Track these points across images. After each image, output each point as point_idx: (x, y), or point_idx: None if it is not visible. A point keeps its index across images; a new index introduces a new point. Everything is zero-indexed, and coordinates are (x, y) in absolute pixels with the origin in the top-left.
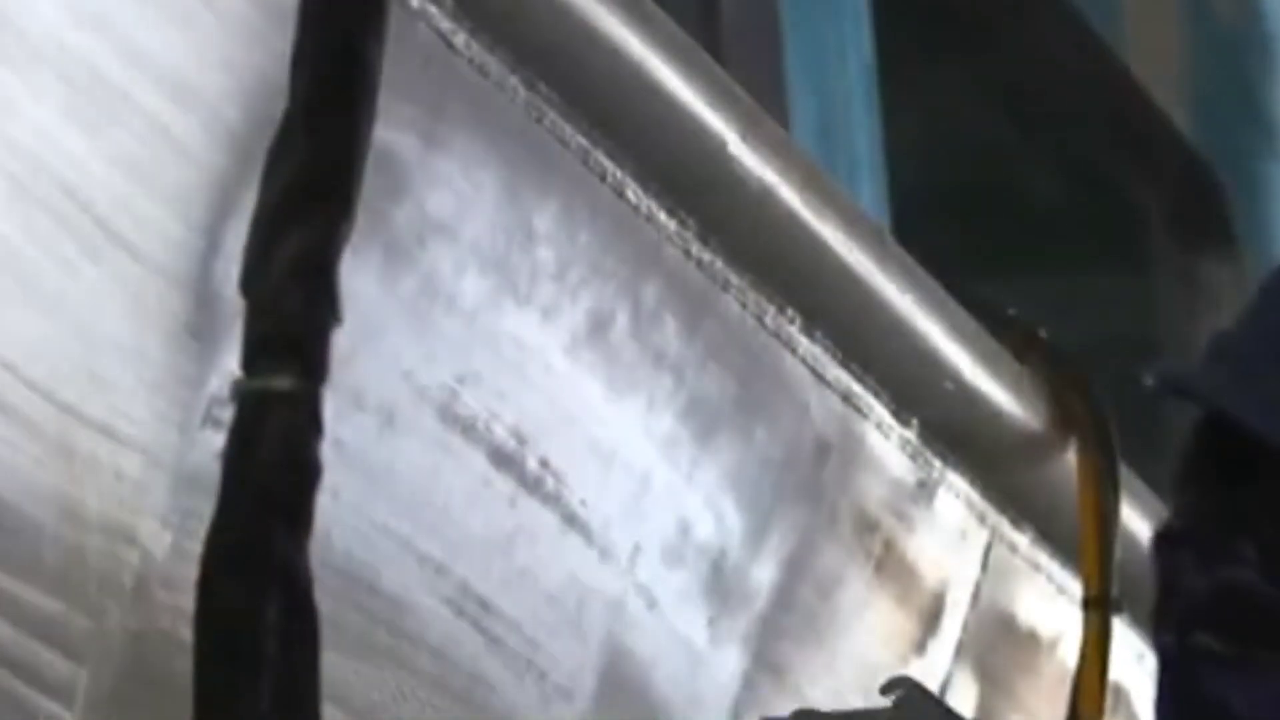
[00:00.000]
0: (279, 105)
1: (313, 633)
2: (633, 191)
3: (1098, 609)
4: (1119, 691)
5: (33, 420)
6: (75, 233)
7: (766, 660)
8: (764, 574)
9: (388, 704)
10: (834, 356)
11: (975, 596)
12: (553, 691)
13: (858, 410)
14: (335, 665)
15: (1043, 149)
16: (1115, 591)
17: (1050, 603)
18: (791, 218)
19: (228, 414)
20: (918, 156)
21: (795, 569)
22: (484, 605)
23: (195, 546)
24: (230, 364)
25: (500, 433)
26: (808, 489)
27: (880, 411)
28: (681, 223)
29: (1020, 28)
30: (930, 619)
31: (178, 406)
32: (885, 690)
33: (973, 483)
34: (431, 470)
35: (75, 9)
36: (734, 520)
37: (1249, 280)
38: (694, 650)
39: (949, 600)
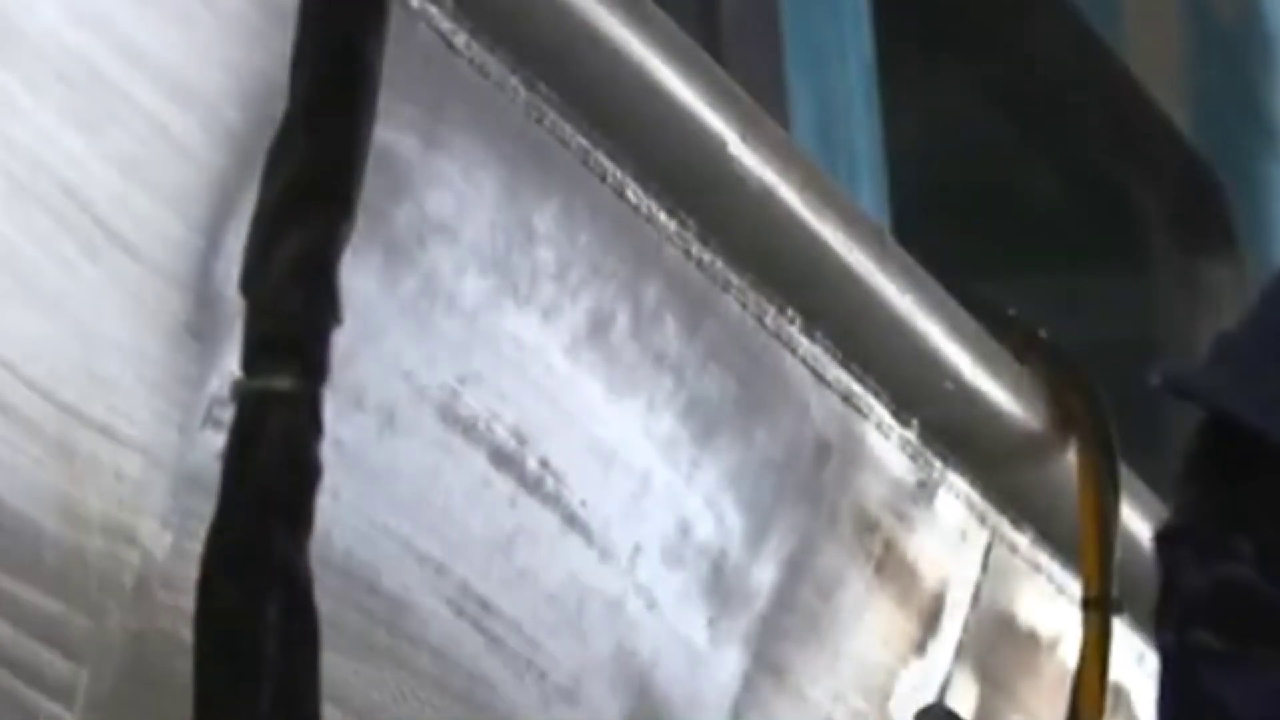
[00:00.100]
0: (279, 105)
1: (313, 633)
2: (633, 192)
3: (1098, 609)
4: (1119, 692)
5: (33, 420)
6: (75, 232)
7: (767, 660)
8: (764, 574)
9: (388, 704)
10: (834, 357)
11: (975, 597)
12: (553, 691)
13: (858, 410)
14: (335, 665)
15: (1043, 149)
16: (1115, 592)
17: (1050, 603)
18: (791, 218)
19: (228, 414)
20: (918, 156)
21: (795, 569)
22: (484, 605)
23: (195, 546)
24: (230, 364)
25: (500, 433)
26: (808, 489)
27: (880, 412)
28: (682, 223)
29: (1020, 28)
30: (930, 619)
31: (178, 406)
32: (919, 719)
33: (973, 483)
34: (432, 470)
35: (75, 9)
36: (734, 520)
37: (1249, 281)
38: (694, 650)
39: (949, 600)
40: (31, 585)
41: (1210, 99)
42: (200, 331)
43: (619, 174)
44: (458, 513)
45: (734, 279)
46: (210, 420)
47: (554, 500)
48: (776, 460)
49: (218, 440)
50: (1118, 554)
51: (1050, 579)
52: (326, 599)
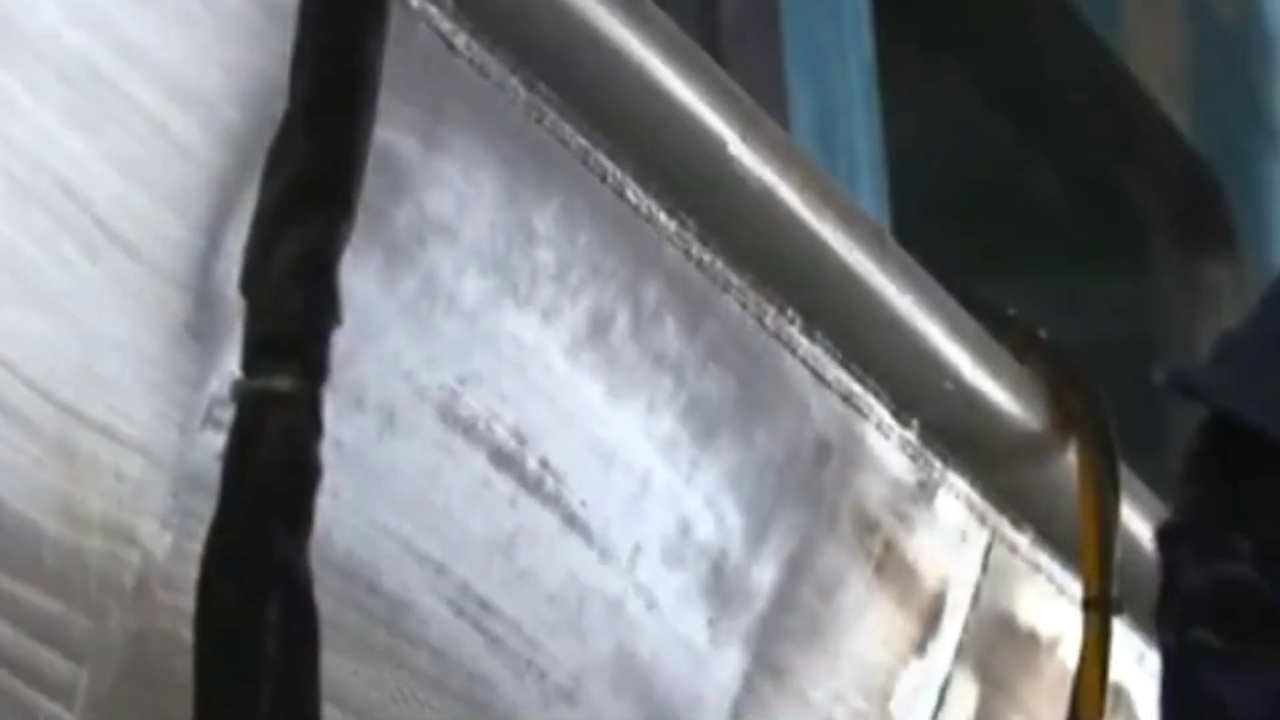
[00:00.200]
0: (279, 105)
1: (313, 633)
2: (633, 192)
3: (1098, 609)
4: (1119, 692)
5: (33, 420)
6: (74, 232)
7: (767, 661)
8: (764, 575)
9: (387, 704)
10: (834, 357)
11: (975, 597)
12: (553, 692)
13: (858, 411)
14: (335, 665)
15: (1043, 149)
16: (1115, 592)
17: (1050, 603)
18: (791, 218)
19: (228, 414)
20: (918, 157)
21: (795, 570)
22: (484, 605)
23: (195, 547)
24: (230, 364)
25: (500, 433)
26: (808, 490)
27: (880, 412)
28: (681, 223)
29: (1020, 28)
30: (931, 620)
31: (178, 407)
32: None
33: (973, 483)
34: (432, 470)
35: (75, 9)
36: (734, 521)
37: (1249, 281)
38: (694, 651)
39: (949, 601)
40: (31, 585)
41: (1210, 99)
42: (200, 331)
43: (619, 174)
44: (458, 513)
45: (734, 279)
46: (210, 420)
47: (554, 500)
48: (776, 460)
49: (218, 440)
50: (1118, 554)
51: (1050, 579)
52: (326, 599)
